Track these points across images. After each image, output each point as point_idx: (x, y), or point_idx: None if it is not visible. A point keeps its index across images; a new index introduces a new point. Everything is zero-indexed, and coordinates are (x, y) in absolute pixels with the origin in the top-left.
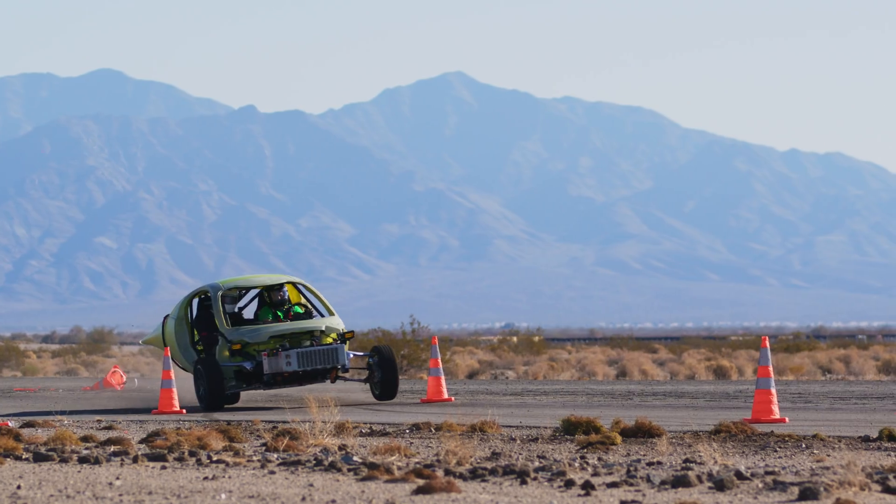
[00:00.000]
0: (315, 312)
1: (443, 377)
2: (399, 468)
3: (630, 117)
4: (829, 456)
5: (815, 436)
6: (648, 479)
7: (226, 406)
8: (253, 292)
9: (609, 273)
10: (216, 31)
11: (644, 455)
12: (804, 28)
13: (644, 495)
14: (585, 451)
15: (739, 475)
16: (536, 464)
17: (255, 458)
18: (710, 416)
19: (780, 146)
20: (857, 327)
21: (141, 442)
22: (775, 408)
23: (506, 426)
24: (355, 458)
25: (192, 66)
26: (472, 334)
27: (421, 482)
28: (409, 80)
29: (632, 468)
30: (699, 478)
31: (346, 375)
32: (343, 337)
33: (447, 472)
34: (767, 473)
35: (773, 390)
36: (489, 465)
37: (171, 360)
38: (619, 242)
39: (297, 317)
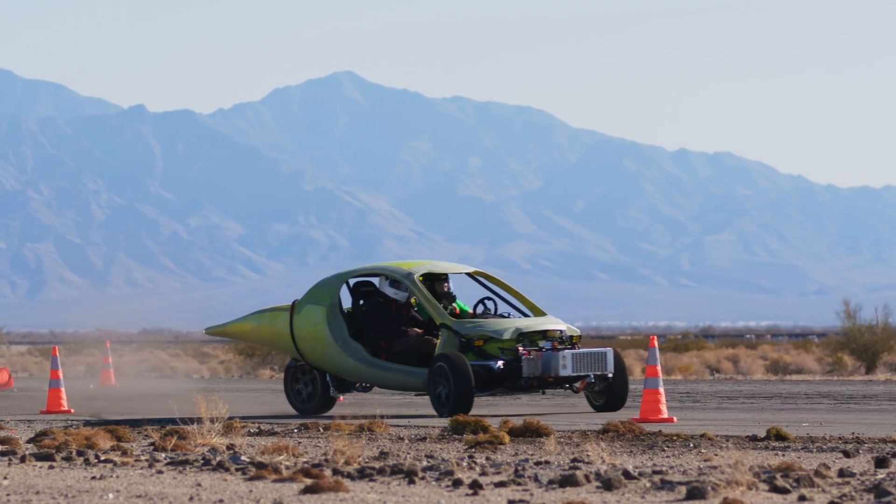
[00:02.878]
0: (504, 308)
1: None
2: (287, 468)
3: (520, 117)
4: (716, 455)
5: (703, 435)
6: (536, 479)
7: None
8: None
9: (498, 273)
10: (106, 31)
11: (532, 454)
12: (693, 26)
13: (532, 494)
14: (474, 450)
15: (627, 474)
16: (424, 463)
17: (143, 457)
18: (598, 415)
19: (669, 146)
20: (745, 327)
21: (29, 442)
22: (663, 407)
23: (394, 426)
24: (243, 458)
25: (82, 66)
26: None
27: (309, 482)
28: (299, 79)
29: (520, 468)
30: (587, 477)
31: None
32: (571, 340)
33: (335, 472)
34: (655, 473)
35: (662, 390)
36: (377, 465)
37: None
38: (508, 242)
39: (464, 314)
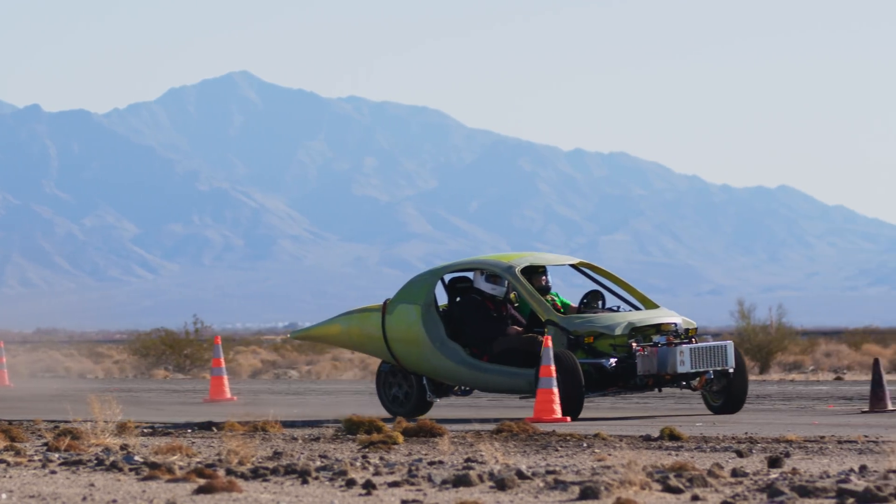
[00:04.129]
0: (614, 301)
1: (225, 377)
2: (180, 468)
3: (415, 117)
4: (610, 455)
5: (596, 435)
6: (430, 479)
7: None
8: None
9: (393, 273)
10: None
11: (426, 454)
12: (586, 24)
13: (425, 494)
14: (367, 450)
15: (521, 474)
16: (318, 463)
17: (36, 457)
18: (492, 415)
19: (564, 146)
20: None
21: None
22: (557, 407)
23: (288, 426)
24: (137, 458)
25: None
26: (256, 334)
27: (202, 482)
28: (194, 79)
29: (413, 468)
30: (480, 477)
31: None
32: (687, 334)
33: (229, 472)
34: (549, 472)
35: (556, 389)
36: (271, 465)
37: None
38: (403, 242)
39: (566, 309)
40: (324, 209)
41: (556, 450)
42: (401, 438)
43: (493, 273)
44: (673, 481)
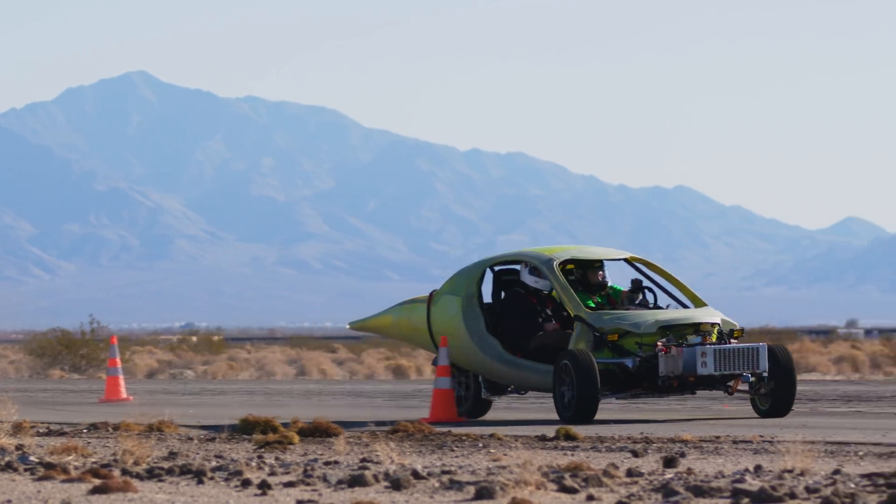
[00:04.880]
0: (664, 300)
1: (121, 377)
2: (76, 468)
3: (313, 117)
4: (506, 455)
5: (492, 435)
6: (325, 479)
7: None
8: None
9: (290, 272)
10: None
11: (321, 454)
12: (486, 27)
13: (321, 495)
14: (263, 450)
15: (416, 474)
16: (214, 463)
17: None
18: (388, 415)
19: (461, 146)
20: None
21: None
22: (453, 407)
23: (183, 426)
24: (32, 458)
25: None
26: (152, 334)
27: (97, 482)
28: (92, 79)
29: (309, 468)
30: (376, 477)
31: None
32: (732, 335)
33: (124, 472)
34: (444, 473)
35: (452, 389)
36: (166, 465)
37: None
38: (300, 242)
39: (639, 305)
40: (221, 209)
41: (452, 450)
42: (296, 438)
43: (536, 266)
44: (568, 481)
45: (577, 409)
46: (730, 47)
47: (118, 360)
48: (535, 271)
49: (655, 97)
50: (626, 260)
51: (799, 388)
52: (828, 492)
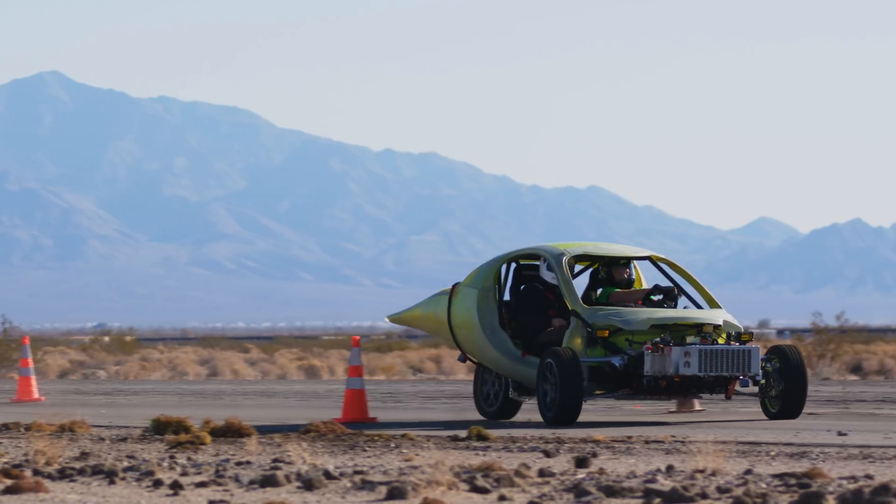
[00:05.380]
0: (684, 300)
1: (34, 377)
2: None
3: (225, 117)
4: (418, 455)
5: (404, 435)
6: (237, 479)
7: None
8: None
9: (203, 273)
10: None
11: (234, 455)
12: (399, 27)
13: (232, 495)
14: (175, 450)
15: (328, 474)
16: (126, 464)
17: None
18: (300, 415)
19: (374, 146)
20: None
21: None
22: (366, 407)
23: (96, 426)
24: None
25: None
26: (65, 334)
27: (9, 482)
28: (4, 79)
29: (221, 468)
30: (287, 477)
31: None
32: (739, 338)
33: (36, 472)
34: (356, 473)
35: (364, 389)
36: (78, 465)
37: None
38: (213, 242)
39: (658, 305)
40: (133, 209)
41: (364, 450)
42: (208, 439)
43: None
44: (480, 481)
45: (560, 410)
46: (640, 45)
47: (30, 360)
48: (552, 267)
49: (568, 97)
50: (648, 258)
51: None
52: (739, 492)
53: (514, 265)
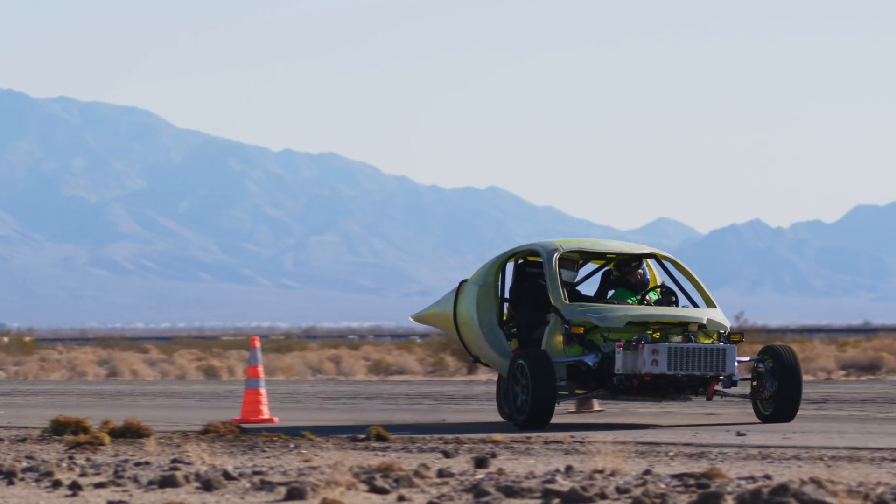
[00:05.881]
0: (684, 300)
1: None
2: None
3: (125, 117)
4: (317, 456)
5: (303, 436)
6: (136, 480)
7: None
8: (590, 266)
9: (102, 273)
10: None
11: (133, 455)
12: (297, 27)
13: (131, 495)
14: (74, 451)
15: (227, 475)
16: (24, 464)
17: None
18: (199, 416)
19: (274, 146)
20: (348, 327)
21: None
22: (265, 408)
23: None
24: None
25: None
26: None
27: None
28: None
29: (119, 468)
30: (186, 478)
31: (727, 389)
32: (727, 338)
33: None
34: (255, 473)
35: (263, 390)
36: None
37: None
38: (112, 243)
39: (658, 304)
40: (32, 209)
41: (263, 450)
42: (107, 439)
43: (559, 257)
44: (379, 482)
45: (532, 413)
46: (537, 45)
47: None
48: (560, 263)
49: (467, 97)
50: (654, 257)
51: None
52: (638, 492)
53: (519, 262)
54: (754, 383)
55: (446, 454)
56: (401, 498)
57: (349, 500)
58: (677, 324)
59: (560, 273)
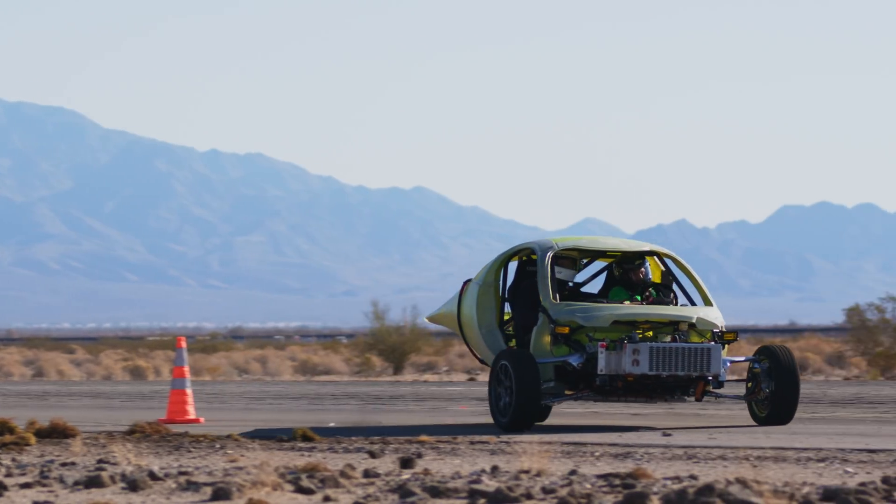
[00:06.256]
0: (682, 298)
1: None
2: None
3: (51, 118)
4: (243, 456)
5: (229, 436)
6: (62, 480)
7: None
8: (598, 264)
9: (27, 273)
10: None
11: (59, 456)
12: (222, 27)
13: (57, 496)
14: (0, 451)
15: (153, 475)
16: None
17: None
18: (125, 416)
19: (200, 146)
20: (274, 328)
21: None
22: (191, 408)
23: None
24: None
25: None
26: None
27: None
28: None
29: (45, 469)
30: (112, 478)
31: (720, 390)
32: (721, 337)
33: None
34: (181, 474)
35: (189, 390)
36: None
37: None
38: (37, 243)
39: (658, 303)
40: None
41: (189, 451)
42: (33, 440)
43: (558, 255)
44: (305, 482)
45: (515, 415)
46: (462, 45)
47: None
48: (558, 261)
49: (393, 96)
50: (649, 253)
51: None
52: (564, 492)
53: (523, 260)
54: (749, 384)
55: (372, 454)
56: (326, 498)
57: (275, 500)
58: (667, 323)
59: (557, 272)
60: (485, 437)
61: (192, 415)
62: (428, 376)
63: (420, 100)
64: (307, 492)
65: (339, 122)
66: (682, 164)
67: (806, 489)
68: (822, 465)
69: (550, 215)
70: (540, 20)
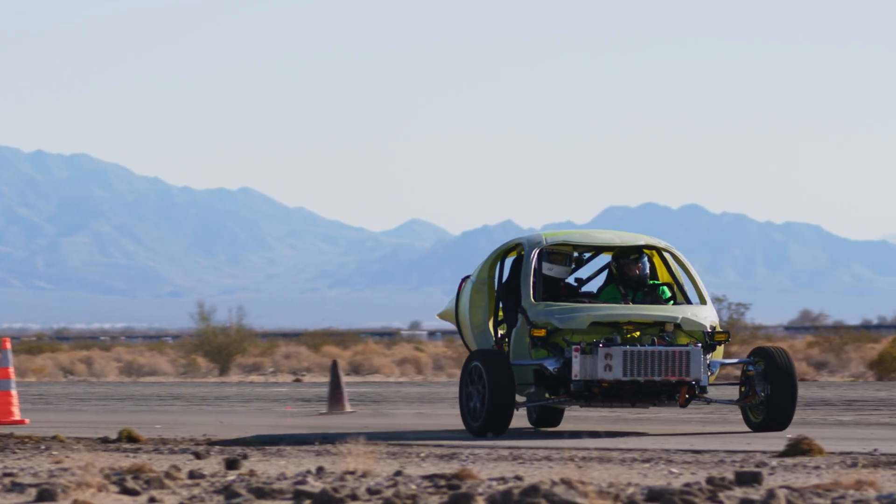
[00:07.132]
0: (679, 297)
1: None
2: None
3: None
4: (68, 457)
5: (54, 437)
6: None
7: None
8: (600, 261)
9: None
10: None
11: None
12: (40, 27)
13: None
14: None
15: None
16: None
17: None
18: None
19: (25, 147)
20: (100, 329)
21: None
22: (16, 409)
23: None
24: None
25: None
26: None
27: None
28: None
29: None
30: None
31: (710, 395)
32: (711, 337)
33: None
34: (6, 475)
35: (14, 391)
36: None
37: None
38: None
39: (650, 302)
40: None
41: (14, 452)
42: None
43: (549, 251)
44: (130, 483)
45: (487, 419)
46: (286, 47)
47: None
48: (550, 258)
49: (218, 97)
50: (645, 247)
51: (363, 389)
52: (389, 493)
53: (519, 255)
54: (743, 388)
55: (197, 455)
56: (152, 499)
57: (100, 501)
58: (651, 324)
59: (548, 268)
60: (309, 439)
61: (17, 416)
62: (254, 377)
63: (246, 101)
64: (132, 493)
65: (164, 122)
66: (508, 165)
67: (631, 490)
68: (647, 465)
69: (376, 216)
70: (359, 21)
